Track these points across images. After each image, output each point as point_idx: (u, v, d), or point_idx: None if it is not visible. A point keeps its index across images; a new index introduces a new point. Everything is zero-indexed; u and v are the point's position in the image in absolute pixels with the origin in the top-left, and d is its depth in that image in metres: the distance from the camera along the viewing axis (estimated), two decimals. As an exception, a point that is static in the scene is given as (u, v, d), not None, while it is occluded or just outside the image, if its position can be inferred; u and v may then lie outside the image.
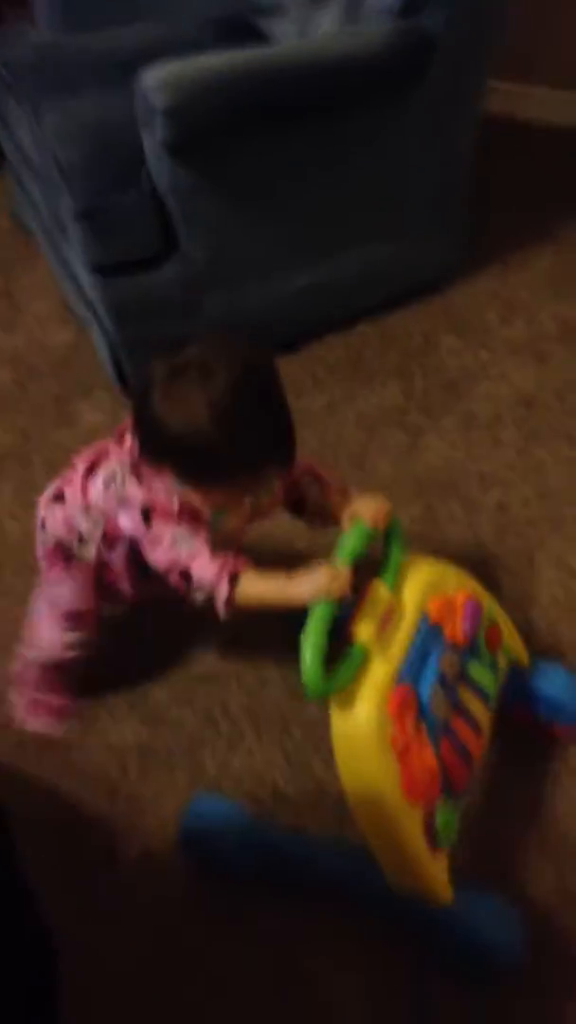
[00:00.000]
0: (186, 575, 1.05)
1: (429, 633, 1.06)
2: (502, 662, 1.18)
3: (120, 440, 1.13)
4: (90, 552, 1.21)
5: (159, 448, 1.03)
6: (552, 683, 1.26)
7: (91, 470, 1.18)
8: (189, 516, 1.06)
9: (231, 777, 1.30)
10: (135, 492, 1.09)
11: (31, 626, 1.33)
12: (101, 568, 1.23)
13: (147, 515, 1.07)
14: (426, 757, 1.01)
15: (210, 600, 1.05)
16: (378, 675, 1.00)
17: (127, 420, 1.09)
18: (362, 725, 0.98)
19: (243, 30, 1.90)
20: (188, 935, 1.17)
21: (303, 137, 1.58)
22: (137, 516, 1.08)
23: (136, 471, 1.09)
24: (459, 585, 1.12)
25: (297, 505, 1.16)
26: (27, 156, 1.77)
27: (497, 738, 1.17)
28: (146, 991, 1.13)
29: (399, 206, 1.80)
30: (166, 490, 1.06)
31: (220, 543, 1.07)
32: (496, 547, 1.52)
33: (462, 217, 1.93)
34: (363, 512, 1.07)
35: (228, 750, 1.32)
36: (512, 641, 1.22)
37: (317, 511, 1.15)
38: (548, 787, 1.25)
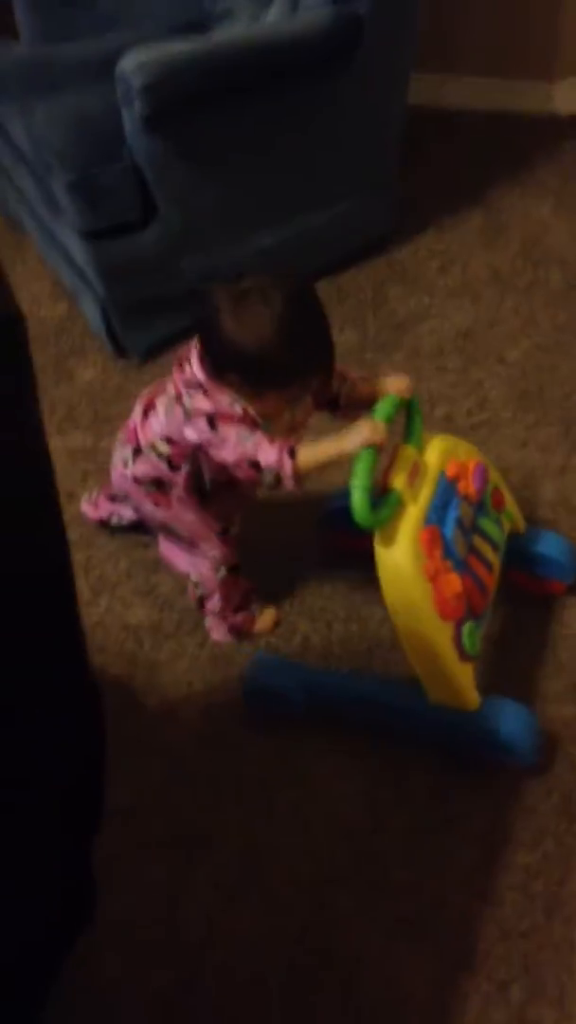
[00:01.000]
0: (254, 463, 1.26)
1: (448, 487, 1.31)
2: (505, 522, 1.43)
3: (180, 367, 1.31)
4: (177, 478, 1.40)
5: (228, 361, 1.24)
6: (548, 545, 1.51)
7: (146, 413, 1.39)
8: (248, 419, 1.27)
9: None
10: (202, 404, 1.27)
11: (196, 564, 1.51)
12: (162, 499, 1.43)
13: (212, 421, 1.27)
14: (452, 582, 1.25)
15: (278, 479, 1.26)
16: (411, 516, 1.24)
17: (184, 350, 1.31)
18: (402, 555, 1.22)
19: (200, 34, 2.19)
20: (197, 761, 1.41)
21: (258, 111, 1.84)
22: (203, 424, 1.28)
23: (202, 387, 1.27)
24: (469, 453, 1.38)
25: (332, 404, 1.37)
26: (20, 151, 2.02)
27: (504, 593, 1.42)
28: (154, 812, 1.37)
29: (341, 172, 2.06)
30: (228, 401, 1.26)
31: None
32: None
33: (396, 184, 2.20)
34: (391, 387, 1.32)
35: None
36: (512, 508, 1.47)
37: (350, 404, 1.37)
38: (554, 624, 1.52)
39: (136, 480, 1.42)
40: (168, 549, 1.56)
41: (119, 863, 1.29)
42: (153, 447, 1.37)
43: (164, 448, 1.36)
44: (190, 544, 1.50)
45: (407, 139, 2.18)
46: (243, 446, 1.26)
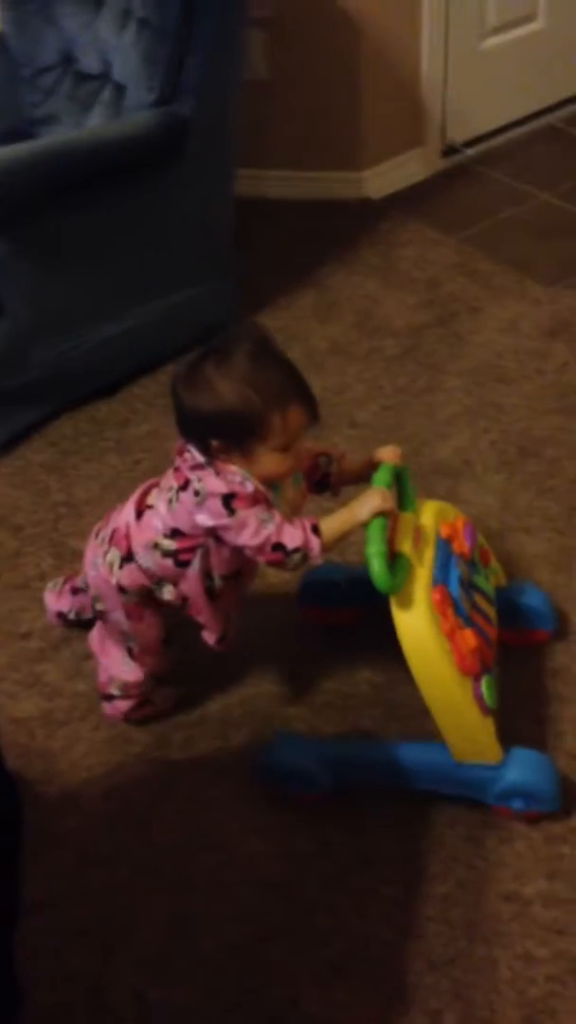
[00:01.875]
0: (280, 546, 1.26)
1: (445, 547, 1.36)
2: (491, 577, 1.50)
3: (181, 456, 1.31)
4: (169, 591, 1.38)
5: (204, 431, 1.25)
6: (530, 596, 1.58)
7: (140, 514, 1.37)
8: (261, 499, 1.27)
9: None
10: (215, 485, 1.25)
11: (133, 671, 1.48)
12: (183, 604, 1.40)
13: (228, 503, 1.25)
14: (467, 638, 1.29)
15: (303, 559, 1.28)
16: (421, 578, 1.28)
17: (180, 440, 1.32)
18: (421, 616, 1.26)
19: (25, 140, 2.26)
20: (107, 844, 1.40)
21: (91, 210, 1.93)
22: (219, 507, 1.25)
23: (209, 468, 1.27)
24: (456, 515, 1.45)
25: (320, 484, 1.41)
26: None
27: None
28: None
29: (178, 264, 2.16)
30: (239, 479, 1.26)
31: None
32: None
33: (233, 271, 2.32)
34: (384, 456, 1.36)
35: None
36: (495, 564, 1.54)
37: (338, 480, 1.41)
38: (550, 673, 1.58)
39: (120, 588, 1.39)
40: (102, 646, 1.51)
41: (41, 957, 1.25)
42: (156, 546, 1.34)
43: (169, 545, 1.33)
44: (131, 653, 1.47)
45: (238, 228, 2.31)
46: (266, 530, 1.26)
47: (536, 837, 1.36)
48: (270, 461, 1.27)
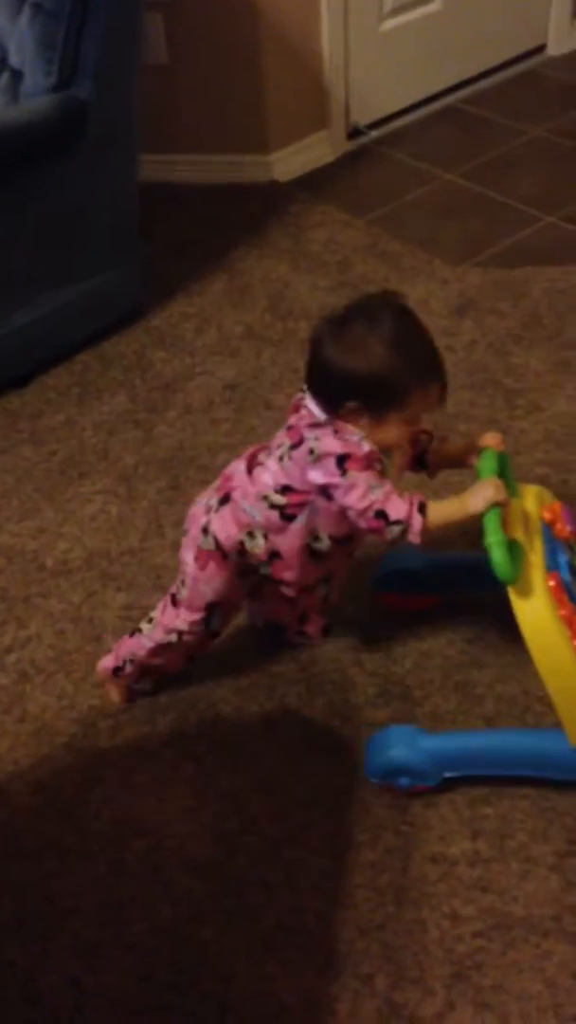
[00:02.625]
0: (382, 514, 1.26)
1: (548, 532, 1.33)
2: None
3: (296, 412, 1.32)
4: (259, 544, 1.37)
5: (344, 390, 1.25)
6: None
7: (251, 467, 1.37)
8: (375, 461, 1.27)
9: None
10: (332, 445, 1.26)
11: (166, 610, 1.47)
12: (272, 558, 1.38)
13: (342, 463, 1.26)
14: None
15: (404, 532, 1.26)
16: (536, 566, 1.27)
17: (296, 398, 1.33)
18: (542, 604, 1.24)
19: None
20: (34, 833, 1.40)
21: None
22: (333, 467, 1.26)
23: (327, 427, 1.28)
24: (552, 499, 1.41)
25: (419, 461, 1.41)
26: None
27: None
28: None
29: (83, 251, 2.14)
30: (356, 439, 1.26)
31: None
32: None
33: (141, 257, 2.31)
34: (488, 442, 1.36)
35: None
36: None
37: (437, 461, 1.42)
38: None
39: (204, 530, 1.38)
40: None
41: (-29, 952, 1.25)
42: (265, 498, 1.34)
43: (279, 499, 1.34)
44: (173, 599, 1.46)
45: (146, 214, 2.29)
46: (373, 495, 1.26)
47: (460, 800, 1.40)
48: (395, 430, 1.29)
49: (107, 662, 1.54)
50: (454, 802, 1.40)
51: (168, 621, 1.46)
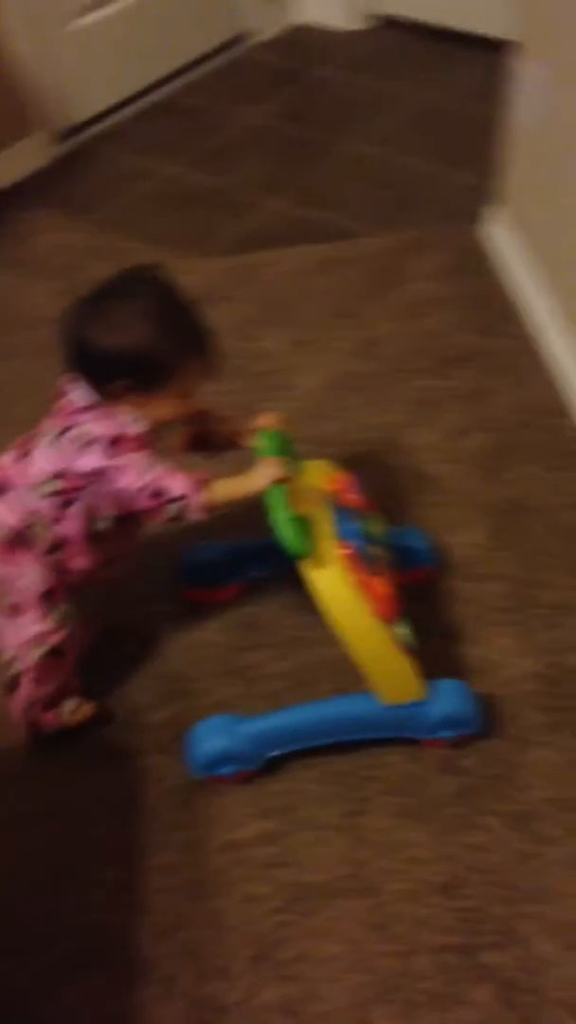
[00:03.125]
0: (159, 492, 1.22)
1: (334, 504, 1.35)
2: (378, 524, 1.45)
3: (59, 399, 1.27)
4: (44, 531, 1.31)
5: (111, 369, 1.21)
6: (411, 538, 1.62)
7: (22, 455, 1.30)
8: (148, 443, 1.24)
9: None
10: (99, 429, 1.23)
11: (10, 632, 1.37)
12: (57, 547, 1.32)
13: (114, 445, 1.22)
14: (380, 585, 1.31)
15: (181, 512, 1.23)
16: (327, 536, 1.29)
17: (59, 382, 1.27)
18: (336, 573, 1.27)
19: None
20: None
21: None
22: (104, 450, 1.22)
23: (96, 411, 1.23)
24: (335, 470, 1.43)
25: (198, 442, 1.37)
26: None
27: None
28: None
29: None
30: (127, 421, 1.23)
31: None
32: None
33: None
34: (264, 422, 1.37)
35: None
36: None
37: (218, 442, 1.39)
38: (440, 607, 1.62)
39: None
40: None
41: None
42: (38, 488, 1.28)
43: (53, 486, 1.28)
44: (12, 611, 1.36)
45: None
46: (149, 473, 1.22)
47: (246, 784, 1.41)
48: (169, 405, 1.26)
49: (35, 724, 1.43)
50: (241, 787, 1.41)
51: (18, 638, 1.37)
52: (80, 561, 1.36)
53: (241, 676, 1.55)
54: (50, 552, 1.33)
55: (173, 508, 1.24)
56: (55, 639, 1.37)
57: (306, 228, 2.53)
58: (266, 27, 3.34)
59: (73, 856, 1.35)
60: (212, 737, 1.38)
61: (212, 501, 1.24)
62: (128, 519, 1.34)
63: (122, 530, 1.35)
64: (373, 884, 1.30)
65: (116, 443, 1.23)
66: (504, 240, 2.32)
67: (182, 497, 1.23)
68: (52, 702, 1.43)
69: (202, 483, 1.24)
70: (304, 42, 3.39)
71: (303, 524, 1.27)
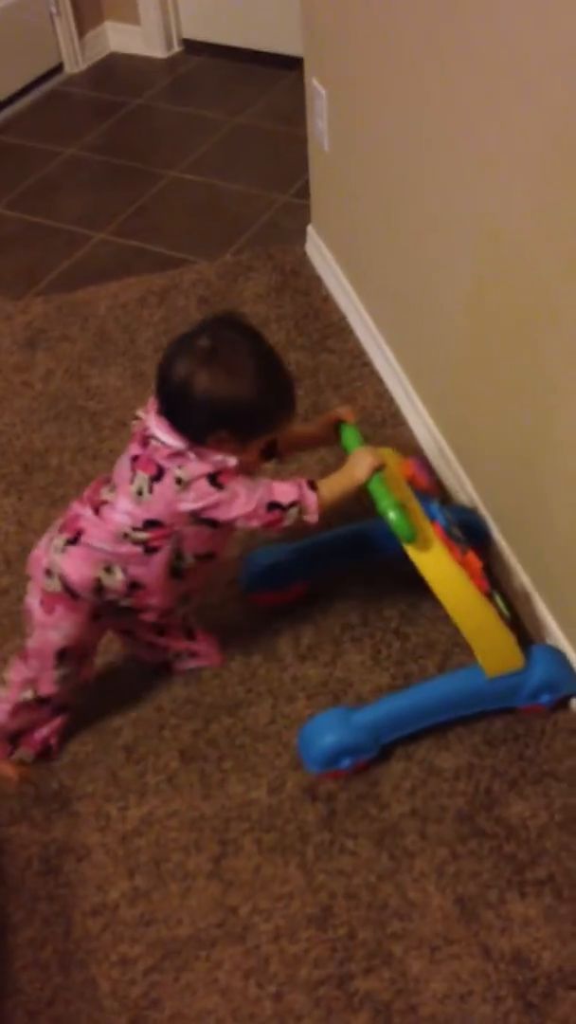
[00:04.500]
0: (275, 504, 1.25)
1: (413, 487, 1.37)
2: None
3: (144, 446, 1.25)
4: (118, 578, 1.30)
5: (216, 419, 1.21)
6: (468, 516, 1.65)
7: (97, 505, 1.29)
8: (244, 471, 1.26)
9: None
10: (198, 468, 1.23)
11: (16, 665, 1.40)
12: (134, 588, 1.32)
13: (215, 480, 1.23)
14: (473, 562, 1.35)
15: (299, 515, 1.26)
16: (422, 519, 1.32)
17: (138, 429, 1.27)
18: (440, 552, 1.30)
19: None
20: None
21: None
22: (206, 486, 1.23)
23: (189, 454, 1.23)
24: (404, 456, 1.44)
25: (270, 452, 1.33)
26: None
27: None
28: None
29: None
30: (220, 458, 1.23)
31: None
32: None
33: None
34: (342, 415, 1.40)
35: None
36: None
37: (287, 445, 1.38)
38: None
39: (47, 571, 1.31)
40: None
41: None
42: (125, 536, 1.28)
43: (141, 535, 1.27)
44: (23, 652, 1.39)
45: None
46: (256, 493, 1.25)
47: (111, 841, 1.38)
48: (255, 453, 1.28)
49: None
50: (106, 845, 1.38)
51: (19, 676, 1.40)
52: (153, 600, 1.36)
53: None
54: (127, 594, 1.33)
55: (293, 512, 1.28)
56: (45, 691, 1.40)
57: (135, 259, 2.52)
58: (77, 60, 3.30)
59: None
60: (328, 732, 1.39)
61: (324, 500, 1.28)
62: (207, 556, 1.36)
63: (201, 568, 1.37)
64: (246, 927, 1.28)
65: (217, 476, 1.25)
66: (320, 256, 2.35)
67: (296, 503, 1.27)
68: (12, 739, 1.44)
69: (309, 486, 1.28)
70: (116, 72, 3.37)
71: (405, 509, 1.30)
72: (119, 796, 1.44)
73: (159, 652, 1.55)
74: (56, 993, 1.24)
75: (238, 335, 1.24)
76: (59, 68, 3.28)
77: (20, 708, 1.41)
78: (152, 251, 2.55)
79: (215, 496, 1.24)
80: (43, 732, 1.46)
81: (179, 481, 1.24)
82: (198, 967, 1.25)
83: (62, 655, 1.37)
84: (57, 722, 1.47)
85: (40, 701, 1.41)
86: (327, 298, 2.30)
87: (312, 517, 1.29)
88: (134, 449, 1.29)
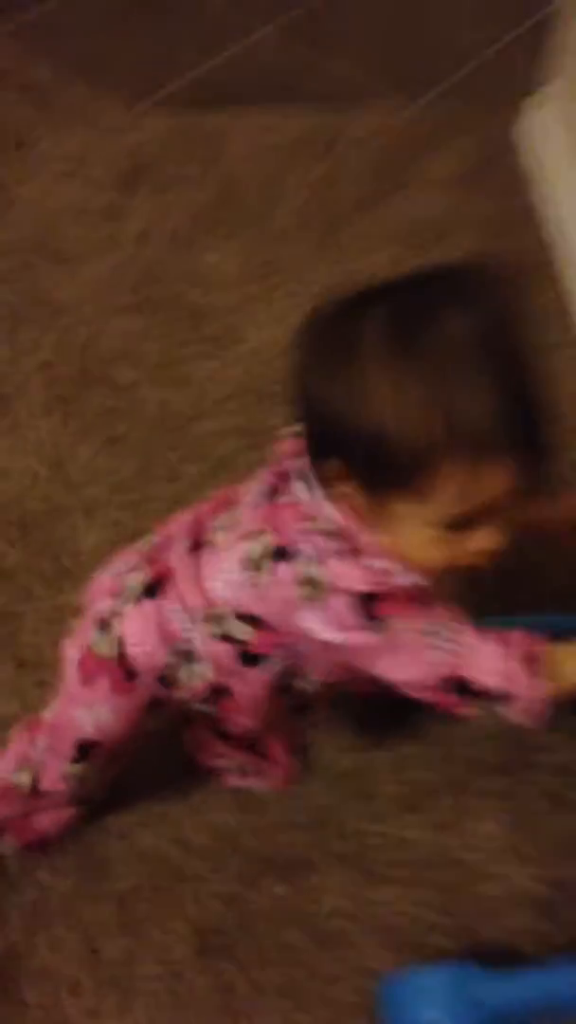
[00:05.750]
0: (460, 685, 0.72)
1: None
2: None
3: (281, 477, 0.75)
4: (196, 673, 0.82)
5: (327, 437, 0.69)
6: None
7: (199, 542, 0.80)
8: (426, 598, 0.72)
9: None
10: (344, 575, 0.71)
11: (23, 731, 0.97)
12: (215, 696, 0.85)
13: (368, 607, 0.71)
14: None
15: (504, 711, 0.74)
16: None
17: (279, 448, 0.76)
18: None
19: None
20: None
21: None
22: (347, 613, 0.71)
23: (337, 542, 0.71)
24: None
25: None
26: None
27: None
28: None
29: None
30: (386, 568, 0.71)
31: None
32: None
33: None
34: None
35: None
36: None
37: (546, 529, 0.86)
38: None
39: (103, 626, 0.83)
40: None
41: None
42: (214, 620, 0.78)
43: (238, 630, 0.78)
44: (37, 722, 0.95)
45: None
46: (435, 653, 0.72)
47: None
48: (419, 536, 0.70)
49: None
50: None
51: (19, 750, 0.95)
52: (243, 719, 0.91)
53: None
54: (206, 700, 0.86)
55: (485, 707, 0.75)
56: (47, 786, 0.94)
57: (299, 78, 1.84)
58: None
59: None
60: (430, 1005, 0.86)
61: (565, 682, 0.73)
62: (343, 681, 0.86)
63: (326, 691, 0.89)
64: None
65: (375, 602, 0.72)
66: (547, 134, 1.67)
67: (503, 690, 0.73)
68: None
69: (535, 657, 0.73)
70: None
71: None
72: (90, 990, 0.95)
73: (210, 755, 1.03)
74: None
75: (438, 302, 0.66)
76: None
77: (8, 792, 0.96)
78: (326, 70, 1.86)
79: (359, 637, 0.72)
80: (43, 822, 0.98)
81: (310, 583, 0.72)
82: None
83: (85, 749, 0.90)
84: (66, 814, 0.99)
85: (38, 794, 0.95)
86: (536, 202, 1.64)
87: (533, 720, 0.74)
88: (269, 477, 0.78)
